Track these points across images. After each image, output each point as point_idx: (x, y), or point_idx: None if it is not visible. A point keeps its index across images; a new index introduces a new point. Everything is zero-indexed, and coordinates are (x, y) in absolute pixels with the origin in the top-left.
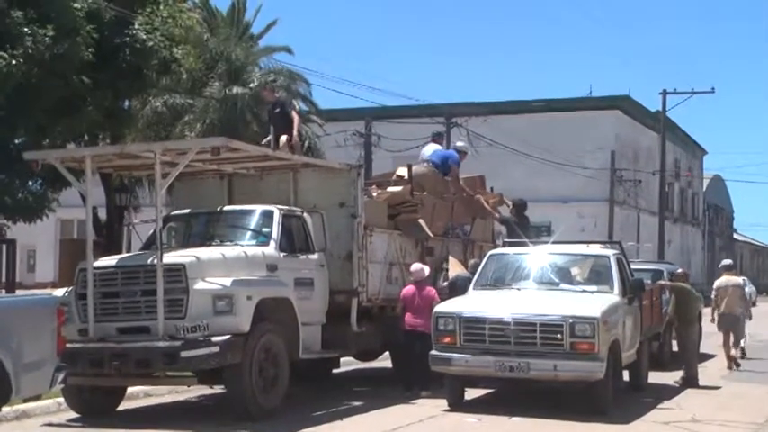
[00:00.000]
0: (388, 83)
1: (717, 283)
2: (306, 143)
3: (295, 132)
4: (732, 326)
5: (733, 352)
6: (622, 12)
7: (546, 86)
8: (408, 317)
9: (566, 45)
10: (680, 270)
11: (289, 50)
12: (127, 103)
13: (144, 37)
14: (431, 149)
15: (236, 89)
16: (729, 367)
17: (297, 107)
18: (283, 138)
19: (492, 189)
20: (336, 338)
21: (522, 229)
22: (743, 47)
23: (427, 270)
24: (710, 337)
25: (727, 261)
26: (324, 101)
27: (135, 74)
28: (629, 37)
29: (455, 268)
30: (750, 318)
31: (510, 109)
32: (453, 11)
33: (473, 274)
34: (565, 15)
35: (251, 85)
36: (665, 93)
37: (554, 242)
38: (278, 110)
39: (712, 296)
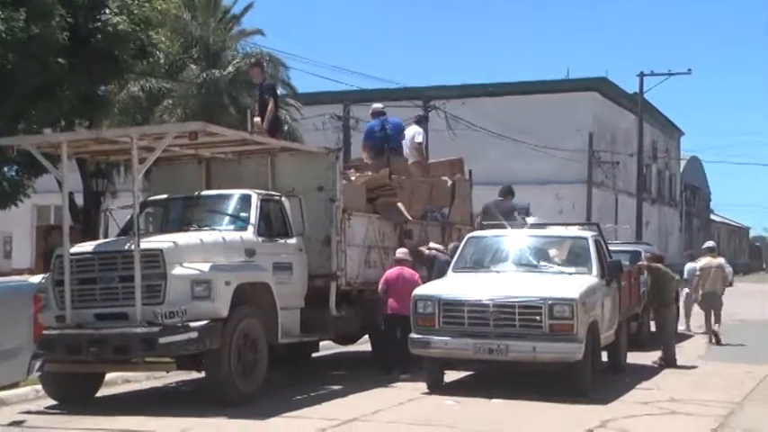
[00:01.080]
0: (366, 66)
1: (700, 263)
2: (284, 128)
3: (264, 122)
4: (713, 304)
5: (715, 327)
6: None
7: (524, 69)
8: (391, 301)
9: (542, 27)
10: (657, 251)
11: (261, 33)
12: (103, 87)
13: (116, 20)
14: (412, 132)
15: (214, 72)
16: (710, 341)
17: (277, 92)
18: (257, 119)
19: (470, 172)
20: (315, 322)
21: (506, 216)
22: (720, 27)
23: (400, 253)
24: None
25: (709, 243)
26: (302, 84)
27: (110, 58)
28: (605, 18)
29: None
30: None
31: (488, 92)
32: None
33: (452, 257)
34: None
35: (229, 68)
36: (642, 75)
37: (532, 224)
38: (260, 93)
39: (693, 276)
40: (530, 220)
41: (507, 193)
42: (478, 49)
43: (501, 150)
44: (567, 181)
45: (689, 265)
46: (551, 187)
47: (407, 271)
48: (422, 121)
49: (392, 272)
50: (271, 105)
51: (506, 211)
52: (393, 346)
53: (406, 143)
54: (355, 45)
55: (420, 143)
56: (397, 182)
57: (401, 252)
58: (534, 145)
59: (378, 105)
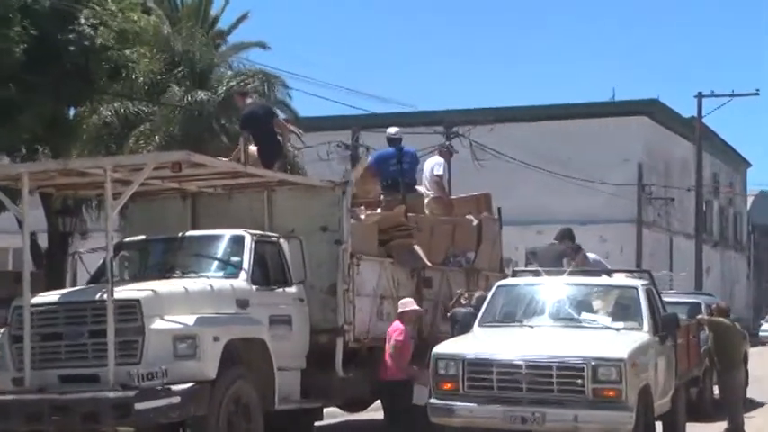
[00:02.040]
0: (377, 88)
1: None
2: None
3: (288, 144)
4: None
5: None
6: (648, 6)
7: (561, 90)
8: (381, 366)
9: (583, 42)
10: (721, 303)
11: (263, 46)
12: (72, 111)
13: (92, 33)
14: (432, 163)
15: (200, 94)
16: None
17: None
18: (252, 148)
19: (499, 210)
20: (319, 385)
21: (553, 263)
22: None
23: (412, 305)
24: (761, 382)
25: None
26: (304, 108)
27: (81, 77)
28: (656, 32)
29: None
30: None
31: (520, 116)
32: (452, 9)
33: (477, 309)
34: (583, 12)
35: (219, 90)
36: (700, 96)
37: (572, 271)
38: (255, 120)
39: None
40: (591, 255)
41: (563, 237)
42: (508, 68)
43: (535, 184)
44: (613, 220)
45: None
46: (594, 228)
47: (393, 326)
48: (448, 152)
49: (405, 330)
50: (286, 126)
51: (553, 257)
52: (397, 418)
53: (425, 176)
54: (366, 63)
55: (440, 176)
56: (414, 221)
57: (403, 303)
58: (574, 178)
59: (393, 130)
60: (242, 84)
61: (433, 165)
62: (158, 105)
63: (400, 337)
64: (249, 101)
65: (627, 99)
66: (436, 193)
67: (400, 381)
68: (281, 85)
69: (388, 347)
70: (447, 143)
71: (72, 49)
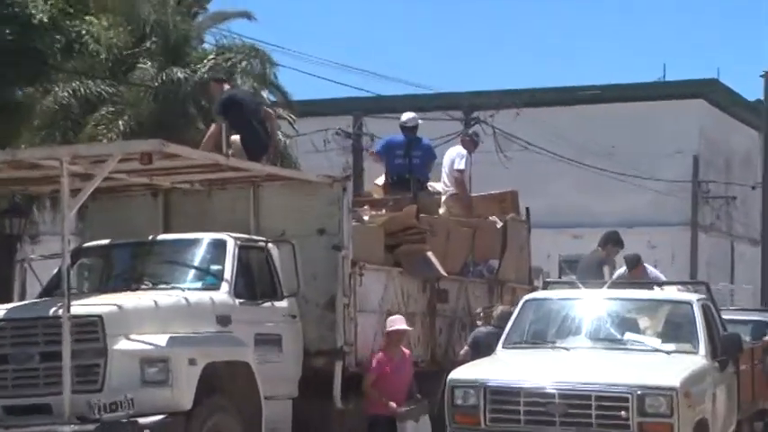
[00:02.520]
0: (384, 65)
1: None
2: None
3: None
4: None
5: None
6: None
7: (602, 69)
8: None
9: (628, 13)
10: None
11: (248, 16)
12: (19, 92)
13: (32, 6)
14: (452, 155)
15: (176, 72)
16: None
17: (267, 102)
18: (235, 138)
19: (528, 210)
20: (314, 418)
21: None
22: None
23: (401, 323)
24: None
25: None
26: (297, 89)
27: (29, 56)
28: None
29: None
30: None
31: (553, 99)
32: None
33: (501, 327)
34: None
35: (198, 67)
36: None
37: (615, 283)
38: (237, 104)
39: None
40: (651, 269)
41: (607, 242)
42: (538, 42)
43: (571, 180)
44: (664, 223)
45: None
46: (641, 231)
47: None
48: (472, 141)
49: (377, 356)
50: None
51: (596, 268)
52: None
53: (444, 170)
54: (370, 37)
55: (461, 171)
56: (427, 223)
57: (390, 321)
58: (617, 173)
59: (408, 116)
60: (227, 62)
61: (453, 157)
62: (125, 85)
63: (373, 365)
64: (227, 88)
65: (680, 79)
66: (456, 191)
67: (381, 416)
68: (269, 61)
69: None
70: (471, 131)
71: (12, 27)
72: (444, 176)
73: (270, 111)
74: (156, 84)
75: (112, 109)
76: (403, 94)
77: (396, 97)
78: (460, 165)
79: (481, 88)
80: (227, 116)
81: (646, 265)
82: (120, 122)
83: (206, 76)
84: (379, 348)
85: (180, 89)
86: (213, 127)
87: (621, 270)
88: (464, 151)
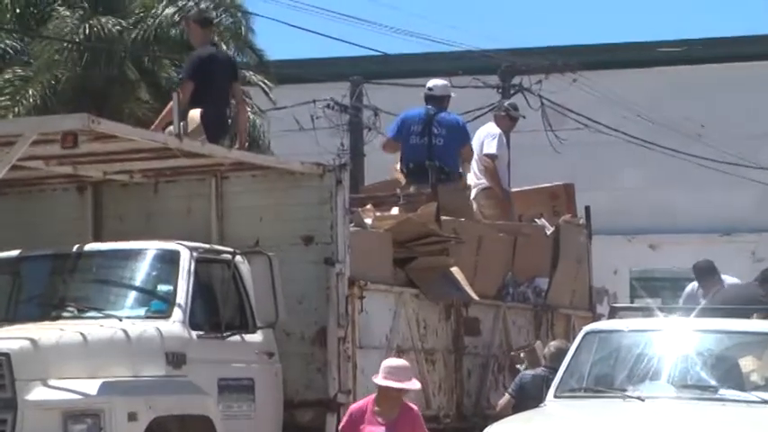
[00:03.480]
0: (392, 16)
1: None
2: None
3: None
4: None
5: None
6: None
7: (687, 21)
8: None
9: None
10: None
11: None
12: None
13: None
14: (482, 135)
15: (108, 23)
16: None
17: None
18: (195, 113)
19: (588, 210)
20: None
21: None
22: None
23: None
24: None
25: None
26: (276, 48)
27: None
28: None
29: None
30: None
31: (622, 60)
32: None
33: (553, 369)
34: None
35: (140, 17)
36: None
37: (704, 309)
38: (212, 69)
39: None
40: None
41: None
42: None
43: (646, 170)
44: None
45: None
46: (742, 239)
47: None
48: (508, 117)
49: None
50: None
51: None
52: None
53: (475, 155)
54: None
55: (493, 156)
56: (451, 228)
57: (387, 368)
58: (709, 160)
59: (438, 84)
60: (195, 5)
61: (483, 137)
62: (36, 39)
63: (343, 421)
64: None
65: None
66: (488, 183)
67: None
68: (238, 8)
69: None
70: (506, 103)
71: None
72: (474, 165)
73: (245, 100)
74: (80, 38)
75: (20, 72)
76: (416, 53)
77: (408, 57)
78: (491, 148)
79: (524, 45)
80: (193, 80)
81: (726, 277)
82: (31, 91)
83: (149, 28)
84: (365, 400)
85: (115, 46)
86: (175, 96)
87: (692, 286)
88: (497, 130)
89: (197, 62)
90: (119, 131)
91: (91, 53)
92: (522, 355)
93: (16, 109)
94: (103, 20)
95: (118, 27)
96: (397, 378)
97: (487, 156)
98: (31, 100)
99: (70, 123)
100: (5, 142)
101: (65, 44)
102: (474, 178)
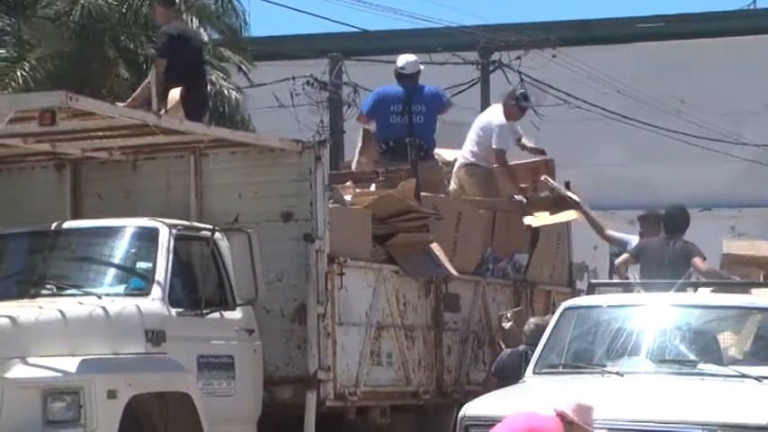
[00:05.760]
0: None
1: None
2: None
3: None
4: None
5: None
6: None
7: None
8: None
9: None
10: None
11: None
12: None
13: None
14: (489, 127)
15: (97, 1)
16: None
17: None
18: (175, 92)
19: (567, 186)
20: None
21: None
22: None
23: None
24: None
25: None
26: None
27: None
28: None
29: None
30: None
31: (602, 35)
32: None
33: (533, 346)
34: None
35: None
36: None
37: (684, 284)
38: (184, 44)
39: None
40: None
41: (685, 222)
42: None
43: (626, 145)
44: (751, 202)
45: None
46: (721, 214)
47: None
48: (519, 108)
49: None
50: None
51: (669, 261)
52: None
53: (471, 139)
54: None
55: (503, 151)
56: (430, 204)
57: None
58: (690, 135)
59: (405, 60)
60: None
61: (490, 126)
62: (25, 21)
63: None
64: (175, 23)
65: None
66: (473, 160)
67: None
68: None
69: None
70: (518, 92)
71: None
72: (471, 144)
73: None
74: (75, 19)
75: (5, 54)
76: (396, 29)
77: (387, 33)
78: (501, 143)
79: (504, 21)
80: (165, 57)
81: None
82: (20, 72)
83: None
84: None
85: (95, 21)
86: (151, 74)
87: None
88: (503, 120)
89: (166, 39)
90: (96, 108)
91: (80, 33)
92: (509, 315)
93: (7, 90)
94: None
95: (105, 7)
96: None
97: (500, 151)
98: (21, 81)
99: (47, 101)
100: None
101: (56, 23)
102: (460, 156)
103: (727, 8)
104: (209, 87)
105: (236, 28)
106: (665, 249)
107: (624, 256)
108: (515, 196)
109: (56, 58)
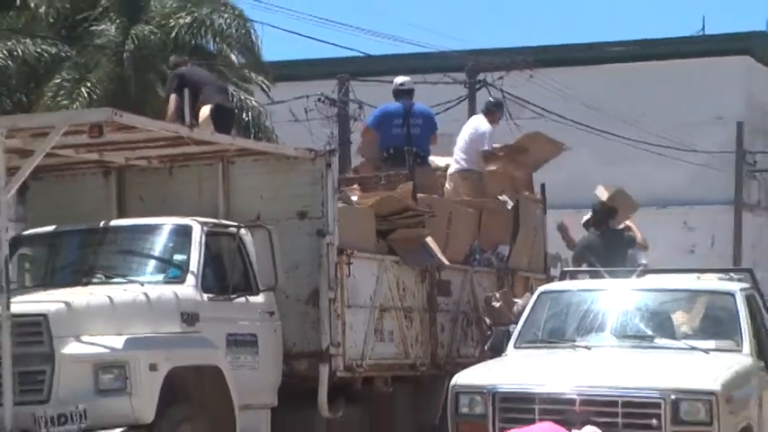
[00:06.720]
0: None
1: None
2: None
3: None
4: None
5: None
6: None
7: (629, 23)
8: None
9: None
10: None
11: None
12: None
13: None
14: (472, 133)
15: (144, 30)
16: None
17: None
18: (205, 109)
19: (543, 187)
20: (296, 430)
21: (607, 253)
22: None
23: None
24: None
25: None
26: (273, 49)
27: None
28: None
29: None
30: None
31: (572, 58)
32: None
33: (513, 323)
34: None
35: (163, 23)
36: None
37: (643, 271)
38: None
39: None
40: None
41: (606, 213)
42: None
43: (593, 152)
44: (702, 201)
45: None
46: (676, 211)
47: None
48: (491, 110)
49: None
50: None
51: (614, 247)
52: None
53: (459, 146)
54: None
55: (490, 152)
56: (425, 204)
57: None
58: (647, 144)
59: (403, 80)
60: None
61: (478, 132)
62: (76, 45)
63: None
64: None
65: (722, 32)
66: (467, 167)
67: None
68: (239, 16)
69: None
70: (494, 99)
71: None
72: (462, 152)
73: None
74: (127, 47)
75: (67, 76)
76: (395, 53)
77: (387, 57)
78: (485, 145)
79: (488, 45)
80: (183, 90)
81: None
82: (82, 89)
83: (182, 32)
84: None
85: (142, 49)
86: (172, 100)
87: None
88: (487, 127)
89: (177, 76)
90: (138, 123)
91: (134, 57)
92: (498, 295)
93: (75, 105)
94: (140, 27)
95: (150, 31)
96: None
97: (485, 153)
98: (86, 97)
99: (96, 116)
100: (41, 133)
101: (109, 51)
102: (454, 162)
103: (681, 34)
104: (234, 103)
105: (257, 53)
106: (601, 239)
107: (578, 252)
108: (499, 197)
109: (113, 79)
